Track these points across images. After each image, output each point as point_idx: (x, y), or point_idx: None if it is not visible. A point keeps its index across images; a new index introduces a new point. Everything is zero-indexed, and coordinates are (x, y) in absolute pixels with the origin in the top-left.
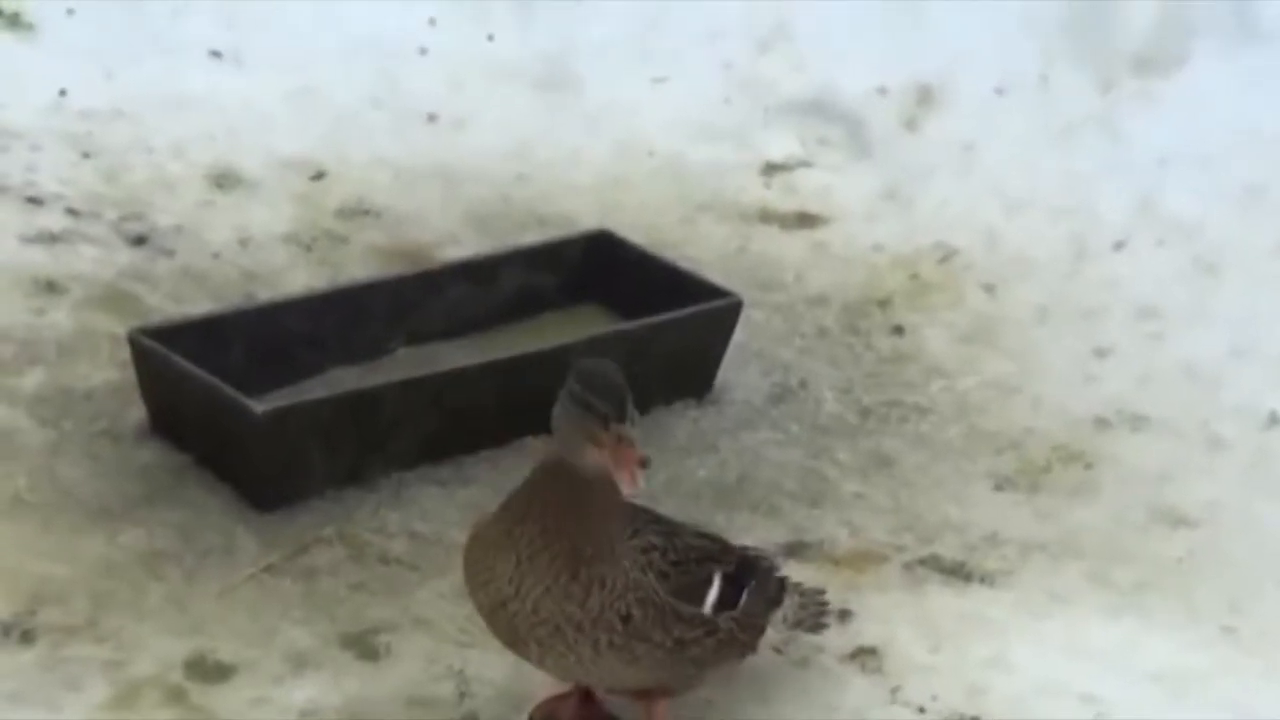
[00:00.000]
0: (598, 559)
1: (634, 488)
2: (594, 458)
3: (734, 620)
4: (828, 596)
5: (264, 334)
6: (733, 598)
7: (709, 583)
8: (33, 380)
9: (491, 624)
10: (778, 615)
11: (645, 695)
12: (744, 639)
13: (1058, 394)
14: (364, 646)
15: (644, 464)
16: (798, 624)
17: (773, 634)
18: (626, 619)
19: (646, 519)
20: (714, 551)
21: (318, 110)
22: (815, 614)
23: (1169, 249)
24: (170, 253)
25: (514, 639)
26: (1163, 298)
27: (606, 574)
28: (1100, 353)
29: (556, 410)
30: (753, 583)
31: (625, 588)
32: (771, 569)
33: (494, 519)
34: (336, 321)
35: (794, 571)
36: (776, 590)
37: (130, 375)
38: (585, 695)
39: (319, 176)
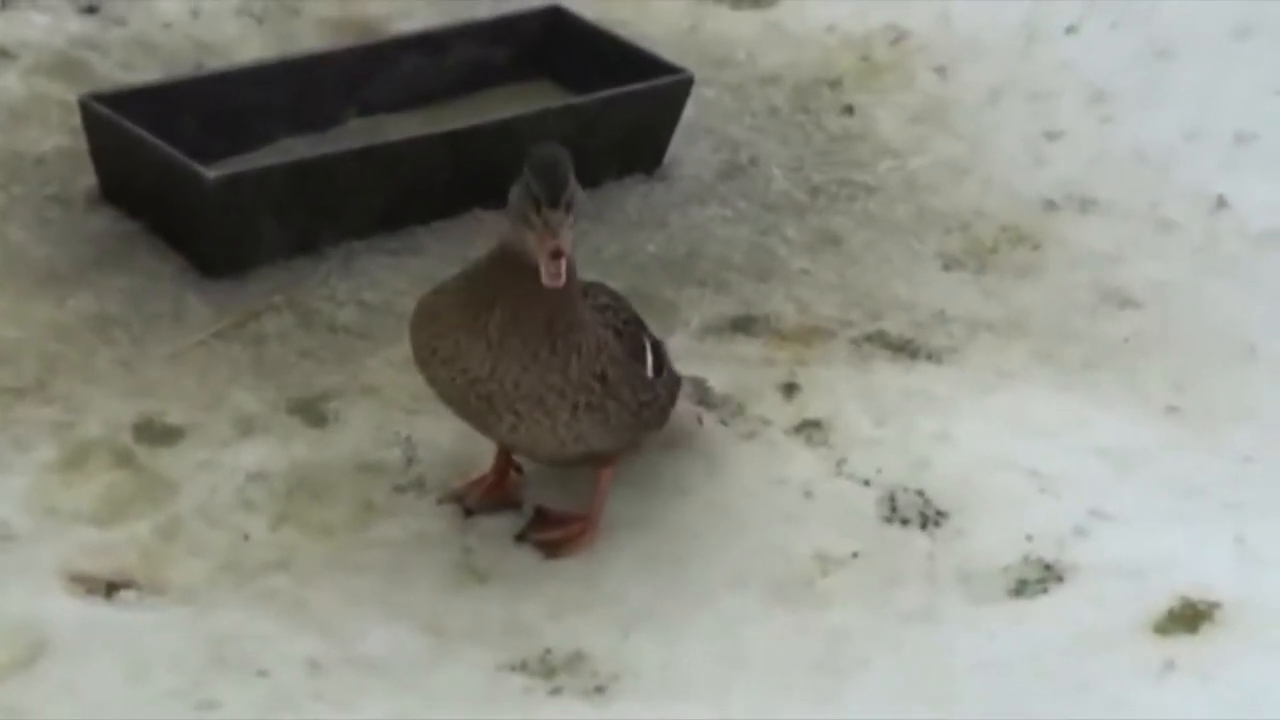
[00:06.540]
0: (570, 330)
1: (551, 280)
2: (530, 241)
3: (664, 386)
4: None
5: (216, 103)
6: (658, 363)
7: (644, 347)
8: None
9: (452, 399)
10: (686, 386)
11: (591, 463)
12: (668, 407)
13: (1007, 175)
14: (312, 412)
15: (556, 255)
16: (699, 398)
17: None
18: (603, 378)
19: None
20: (638, 316)
21: None
22: (702, 388)
23: (1121, 32)
24: (121, 22)
25: (483, 413)
26: (1114, 81)
27: (581, 340)
28: (1051, 135)
29: (510, 192)
30: (661, 350)
31: (598, 348)
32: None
33: (451, 299)
34: (288, 92)
35: (741, 346)
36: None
37: (81, 142)
38: (496, 481)
39: None
